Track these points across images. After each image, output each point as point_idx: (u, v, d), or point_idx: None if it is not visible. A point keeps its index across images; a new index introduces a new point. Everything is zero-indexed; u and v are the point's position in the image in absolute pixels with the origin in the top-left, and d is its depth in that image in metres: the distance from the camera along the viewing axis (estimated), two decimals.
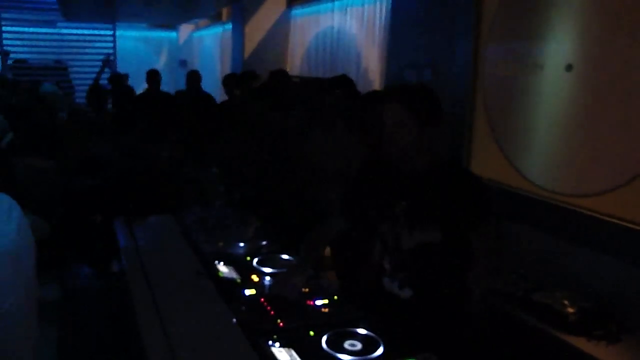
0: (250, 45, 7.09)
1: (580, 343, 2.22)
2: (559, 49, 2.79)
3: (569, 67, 2.72)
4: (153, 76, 5.94)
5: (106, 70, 7.55)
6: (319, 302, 1.96)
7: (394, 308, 1.93)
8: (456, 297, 1.87)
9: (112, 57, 7.21)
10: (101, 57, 8.58)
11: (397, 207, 1.90)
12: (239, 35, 7.28)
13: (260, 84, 4.33)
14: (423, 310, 1.88)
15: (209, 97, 5.83)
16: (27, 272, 1.23)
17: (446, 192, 1.82)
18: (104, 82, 6.92)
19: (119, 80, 6.59)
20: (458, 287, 1.86)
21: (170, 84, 9.81)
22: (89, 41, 9.44)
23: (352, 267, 2.42)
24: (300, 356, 1.61)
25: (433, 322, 1.86)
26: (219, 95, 8.18)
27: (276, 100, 3.49)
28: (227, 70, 8.33)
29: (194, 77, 5.93)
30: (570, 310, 2.35)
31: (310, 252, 2.19)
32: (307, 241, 2.20)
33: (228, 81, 4.96)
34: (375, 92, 2.45)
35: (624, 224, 2.42)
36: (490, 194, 1.89)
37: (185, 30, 11.65)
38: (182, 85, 6.46)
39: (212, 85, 8.70)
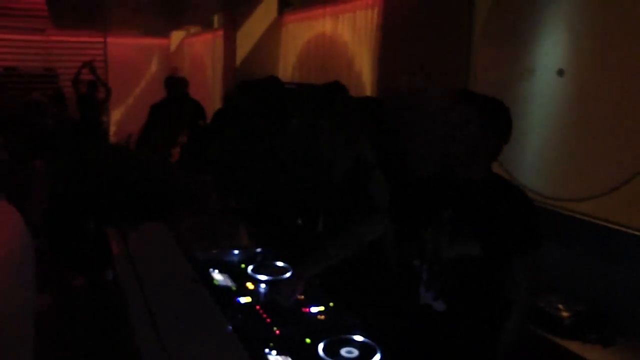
0: (242, 52, 7.09)
1: (575, 347, 2.23)
2: (551, 54, 2.81)
3: (560, 72, 2.75)
4: (174, 83, 5.89)
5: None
6: (314, 310, 1.95)
7: (425, 319, 1.87)
8: (489, 316, 1.81)
9: (93, 64, 7.11)
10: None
11: (443, 214, 1.83)
12: (230, 42, 7.28)
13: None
14: (454, 326, 1.83)
15: (197, 104, 5.83)
16: (26, 280, 1.21)
17: (495, 207, 1.76)
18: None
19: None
20: (492, 309, 1.81)
21: (162, 92, 9.78)
22: (80, 48, 9.39)
23: (388, 272, 2.36)
24: None
25: (458, 339, 1.82)
26: (210, 102, 8.17)
27: (269, 107, 3.49)
28: (219, 78, 8.32)
29: (179, 84, 5.92)
30: (565, 314, 2.36)
31: (339, 251, 2.07)
32: (339, 239, 2.11)
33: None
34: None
35: (617, 227, 2.44)
36: (540, 220, 1.80)
37: (177, 37, 11.63)
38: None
39: (204, 93, 8.68)
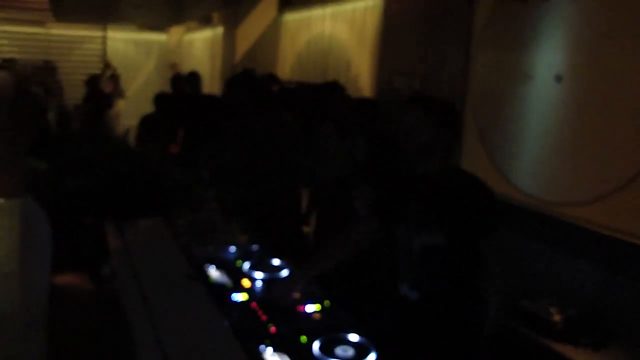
0: (241, 50, 7.10)
1: (567, 350, 2.26)
2: (549, 60, 2.84)
3: (558, 78, 2.77)
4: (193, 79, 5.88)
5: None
6: (310, 308, 1.97)
7: (402, 309, 1.97)
8: (460, 304, 1.89)
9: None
10: (91, 58, 8.57)
11: (409, 208, 1.95)
12: (230, 39, 7.29)
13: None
14: (426, 315, 1.91)
15: (195, 99, 5.81)
16: (43, 276, 1.23)
17: (453, 197, 1.87)
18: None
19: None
20: (463, 295, 1.89)
21: (160, 87, 9.77)
22: (79, 42, 9.38)
23: (366, 271, 2.42)
24: None
25: (433, 327, 1.89)
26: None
27: (266, 104, 3.50)
28: (217, 75, 8.32)
29: (178, 81, 5.92)
30: (557, 317, 2.38)
31: (332, 256, 2.15)
32: (331, 245, 2.19)
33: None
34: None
35: (610, 233, 2.47)
36: (498, 205, 1.93)
37: (176, 33, 11.62)
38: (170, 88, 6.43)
39: (202, 89, 8.67)
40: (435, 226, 1.87)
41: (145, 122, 5.50)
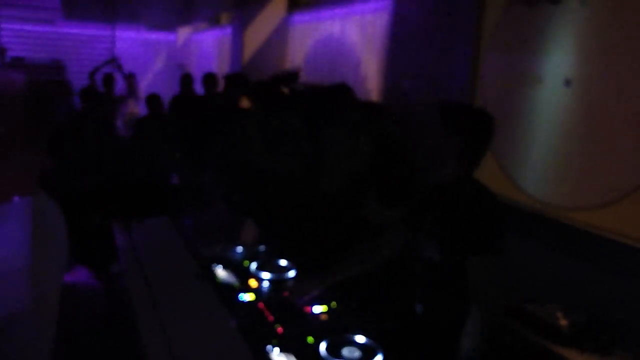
0: (249, 50, 7.11)
1: (573, 355, 2.25)
2: (558, 64, 2.83)
3: (567, 82, 2.76)
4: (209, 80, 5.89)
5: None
6: (317, 309, 1.98)
7: (417, 334, 1.92)
8: (455, 320, 1.82)
9: (118, 62, 7.21)
10: (99, 57, 8.61)
11: (418, 219, 1.91)
12: (238, 40, 7.30)
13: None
14: (430, 329, 1.88)
15: (202, 100, 5.84)
16: (54, 275, 1.24)
17: (457, 211, 1.78)
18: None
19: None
20: (457, 311, 1.82)
21: (167, 87, 9.80)
22: (88, 41, 9.42)
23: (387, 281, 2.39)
24: None
25: (435, 339, 1.86)
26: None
27: (274, 105, 3.51)
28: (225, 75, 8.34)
29: (187, 80, 5.94)
30: (563, 322, 2.37)
31: (362, 264, 2.12)
32: (363, 253, 2.16)
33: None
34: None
35: (618, 238, 2.46)
36: (501, 224, 1.80)
37: (184, 33, 11.66)
38: (177, 88, 6.46)
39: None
40: (435, 241, 1.81)
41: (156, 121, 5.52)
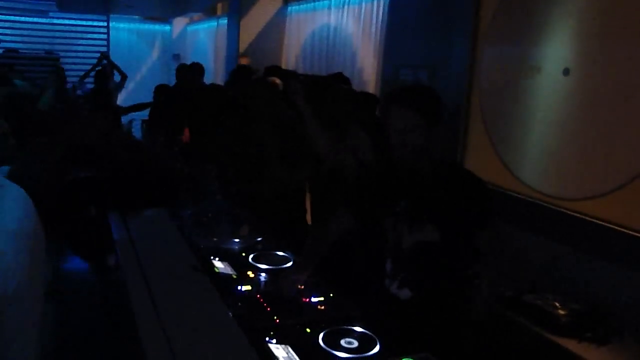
0: (245, 41, 7.07)
1: (571, 345, 2.25)
2: (557, 53, 2.82)
3: (566, 71, 2.75)
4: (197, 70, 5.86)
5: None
6: (315, 299, 1.97)
7: (393, 309, 1.94)
8: (454, 298, 1.88)
9: (105, 55, 7.15)
10: (94, 48, 8.55)
11: (400, 204, 1.92)
12: (234, 31, 7.26)
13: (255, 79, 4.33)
14: (420, 312, 1.89)
15: (200, 90, 5.79)
16: (35, 258, 1.21)
17: (447, 192, 1.84)
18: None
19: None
20: (456, 289, 1.88)
21: (163, 78, 9.75)
22: (82, 32, 9.34)
23: (355, 266, 2.41)
24: (297, 353, 1.62)
25: (430, 323, 1.86)
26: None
27: (272, 96, 3.49)
28: (221, 66, 8.31)
29: (182, 71, 5.90)
30: (561, 312, 2.38)
31: (316, 249, 2.14)
32: (313, 238, 2.19)
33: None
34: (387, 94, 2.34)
35: (617, 227, 2.46)
36: (492, 196, 1.93)
37: (179, 23, 11.59)
38: (174, 79, 6.42)
39: (206, 80, 8.65)
40: (428, 222, 1.85)
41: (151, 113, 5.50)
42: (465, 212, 1.83)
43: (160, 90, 5.87)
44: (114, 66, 6.93)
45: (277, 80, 3.86)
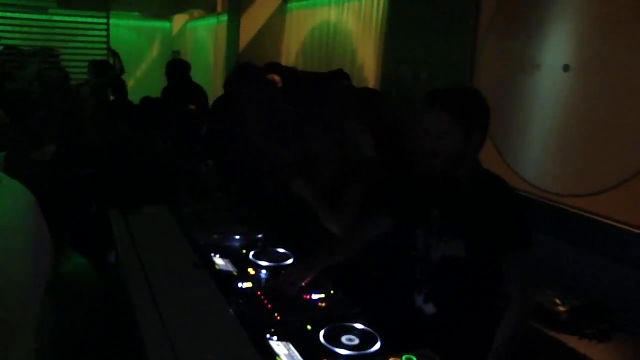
0: (245, 38, 7.06)
1: (571, 341, 2.25)
2: (557, 49, 2.81)
3: (566, 68, 2.74)
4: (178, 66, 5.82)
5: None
6: (315, 296, 1.97)
7: (417, 323, 1.84)
8: (477, 319, 1.77)
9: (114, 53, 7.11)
10: (94, 45, 8.53)
11: (432, 213, 1.81)
12: (234, 27, 7.24)
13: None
14: (444, 330, 1.78)
15: (199, 88, 5.79)
16: (36, 254, 1.21)
17: (479, 206, 1.70)
18: None
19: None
20: (480, 309, 1.77)
21: (162, 75, 9.71)
22: (82, 29, 9.31)
23: (382, 273, 2.32)
24: (298, 350, 1.62)
25: (452, 343, 1.73)
26: (211, 86, 8.14)
27: (272, 92, 3.49)
28: (221, 63, 8.28)
29: (181, 67, 5.88)
30: (562, 308, 2.38)
31: (343, 251, 2.07)
32: (343, 240, 2.15)
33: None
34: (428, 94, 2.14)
35: (617, 224, 2.46)
36: (526, 218, 1.73)
37: (179, 20, 11.56)
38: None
39: (205, 77, 8.64)
40: (457, 236, 1.72)
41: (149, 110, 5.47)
42: (495, 230, 1.66)
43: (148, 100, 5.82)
44: (120, 66, 6.90)
45: (277, 77, 3.86)
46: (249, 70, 3.40)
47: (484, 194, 1.72)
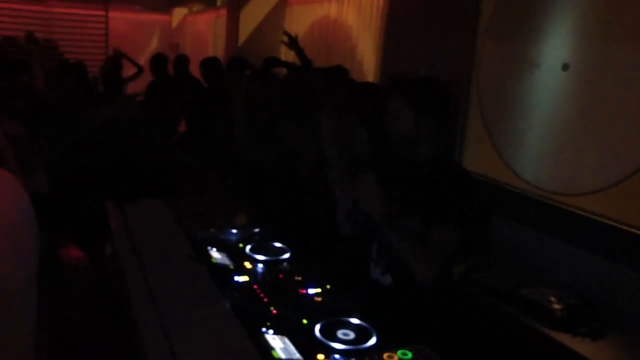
0: (244, 32, 7.05)
1: (566, 339, 2.26)
2: (556, 48, 2.81)
3: (565, 67, 2.75)
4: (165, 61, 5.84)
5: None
6: (311, 291, 1.97)
7: (376, 294, 2.02)
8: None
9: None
10: (93, 37, 8.51)
11: (392, 194, 1.98)
12: (233, 22, 7.23)
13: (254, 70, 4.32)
14: (401, 297, 1.96)
15: (197, 82, 5.78)
16: (30, 249, 1.19)
17: (433, 185, 1.89)
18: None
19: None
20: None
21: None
22: (81, 21, 9.29)
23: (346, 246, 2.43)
24: (293, 344, 1.62)
25: (410, 310, 1.90)
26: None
27: (269, 86, 3.49)
28: (220, 57, 8.26)
29: (181, 61, 5.88)
30: (557, 306, 2.39)
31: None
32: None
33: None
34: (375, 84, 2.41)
35: (613, 223, 2.46)
36: (473, 201, 1.94)
37: (179, 14, 11.52)
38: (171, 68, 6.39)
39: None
40: (414, 213, 1.90)
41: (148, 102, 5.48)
42: (447, 205, 1.86)
43: (154, 85, 5.84)
44: (129, 59, 6.89)
45: (284, 71, 3.86)
46: (240, 65, 3.40)
47: (439, 175, 1.93)
